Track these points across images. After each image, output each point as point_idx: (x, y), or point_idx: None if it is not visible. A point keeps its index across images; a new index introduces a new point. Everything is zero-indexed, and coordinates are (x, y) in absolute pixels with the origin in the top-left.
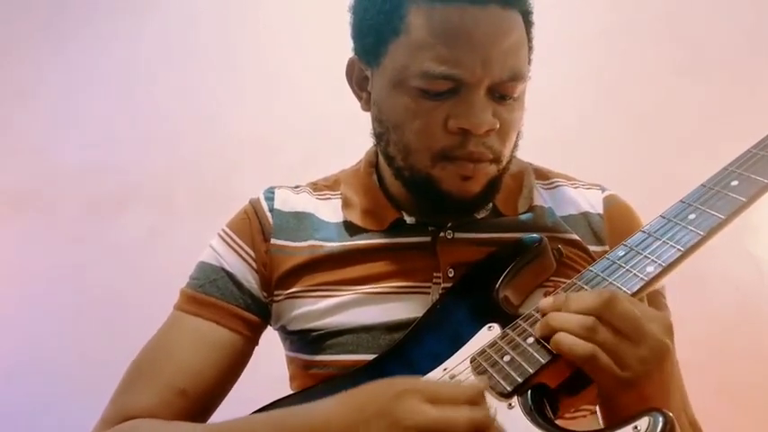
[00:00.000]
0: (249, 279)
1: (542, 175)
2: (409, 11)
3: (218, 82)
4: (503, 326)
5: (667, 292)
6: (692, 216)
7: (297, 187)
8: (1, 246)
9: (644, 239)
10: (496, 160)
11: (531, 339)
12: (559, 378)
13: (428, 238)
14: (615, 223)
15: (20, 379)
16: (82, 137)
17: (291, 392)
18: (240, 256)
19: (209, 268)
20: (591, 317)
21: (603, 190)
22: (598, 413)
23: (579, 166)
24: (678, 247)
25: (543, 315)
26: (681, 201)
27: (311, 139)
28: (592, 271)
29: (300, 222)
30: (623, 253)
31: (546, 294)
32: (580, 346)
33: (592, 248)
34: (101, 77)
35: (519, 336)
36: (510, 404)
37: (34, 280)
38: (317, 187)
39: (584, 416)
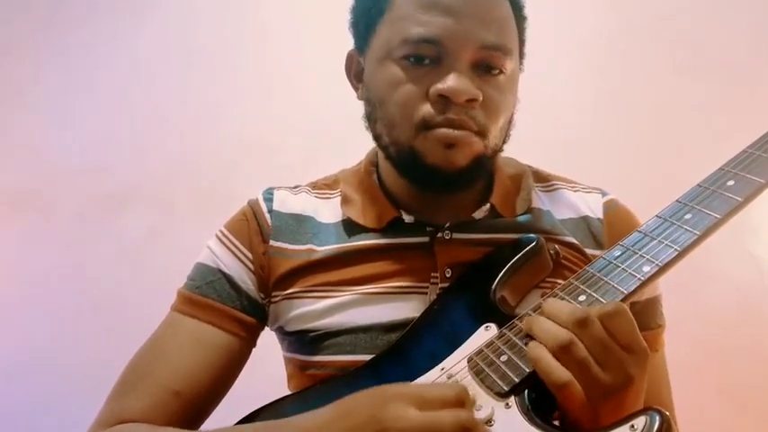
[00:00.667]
0: (246, 280)
1: (541, 177)
2: None
3: (218, 82)
4: (500, 326)
5: (668, 292)
6: (688, 216)
7: (296, 188)
8: (1, 246)
9: (640, 239)
10: (481, 134)
11: (527, 339)
12: None
13: (426, 239)
14: (615, 228)
15: (20, 379)
16: (82, 137)
17: (289, 393)
18: (237, 257)
19: (206, 269)
20: (569, 333)
21: (604, 194)
22: None
23: (579, 166)
24: (674, 246)
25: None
26: (677, 200)
27: (311, 139)
28: (588, 271)
29: (300, 225)
30: (619, 253)
31: (543, 295)
32: (555, 372)
33: (590, 252)
34: (101, 77)
35: (516, 336)
36: (507, 404)
37: (34, 280)
38: (316, 186)
39: None
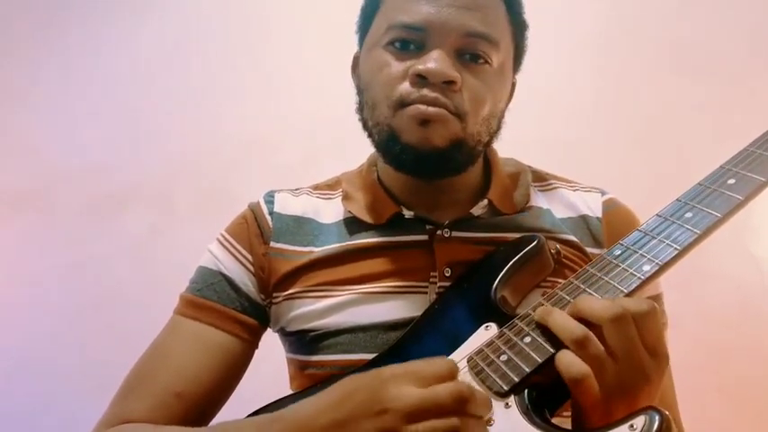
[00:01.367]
0: (247, 282)
1: (540, 177)
2: None
3: (218, 82)
4: (500, 325)
5: (668, 291)
6: (688, 215)
7: (297, 190)
8: (1, 246)
9: (640, 238)
10: (459, 116)
11: (527, 339)
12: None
13: (425, 237)
14: (614, 227)
15: (20, 379)
16: (82, 137)
17: (291, 393)
18: (238, 260)
19: (207, 272)
20: (584, 329)
21: (603, 193)
22: None
23: (579, 165)
24: (675, 245)
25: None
26: (677, 199)
27: (311, 139)
28: (588, 270)
29: (300, 227)
30: (620, 252)
31: (544, 294)
32: (575, 366)
33: (590, 251)
34: (101, 77)
35: (516, 335)
36: (507, 403)
37: (34, 280)
38: (318, 188)
39: None
